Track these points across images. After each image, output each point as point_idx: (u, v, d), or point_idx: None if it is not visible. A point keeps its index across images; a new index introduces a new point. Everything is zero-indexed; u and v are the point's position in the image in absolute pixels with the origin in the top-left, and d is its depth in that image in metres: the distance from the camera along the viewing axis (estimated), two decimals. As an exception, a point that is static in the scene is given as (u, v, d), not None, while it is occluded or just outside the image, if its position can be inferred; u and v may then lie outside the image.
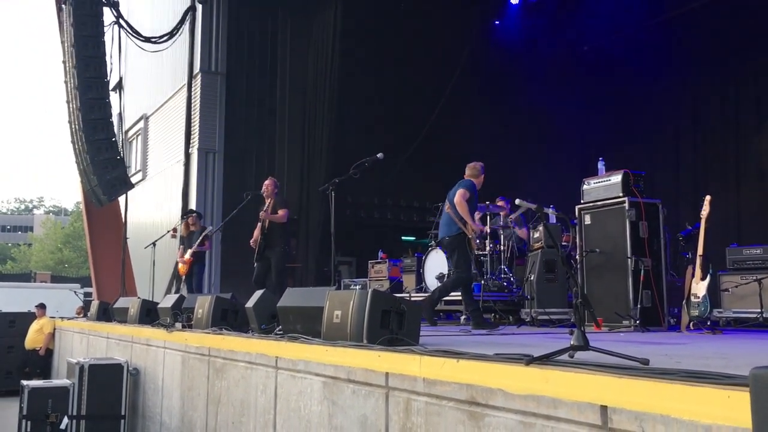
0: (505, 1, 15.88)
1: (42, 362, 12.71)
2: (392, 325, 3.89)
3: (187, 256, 10.61)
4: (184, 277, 10.94)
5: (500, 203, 9.86)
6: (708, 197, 6.29)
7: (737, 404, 1.86)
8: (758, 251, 8.25)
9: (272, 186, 9.13)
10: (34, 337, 12.86)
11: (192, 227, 10.95)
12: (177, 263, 11.38)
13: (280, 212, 8.83)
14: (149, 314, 8.33)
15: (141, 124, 18.25)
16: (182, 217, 11.79)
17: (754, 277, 7.90)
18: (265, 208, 9.04)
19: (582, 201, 7.32)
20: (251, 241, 9.14)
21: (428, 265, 9.97)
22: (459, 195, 7.28)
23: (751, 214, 12.77)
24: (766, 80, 13.10)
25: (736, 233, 11.62)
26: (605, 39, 15.70)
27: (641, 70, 14.77)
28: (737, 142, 13.47)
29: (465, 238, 7.31)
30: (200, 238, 10.50)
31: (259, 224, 9.06)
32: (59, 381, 8.61)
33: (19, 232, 74.03)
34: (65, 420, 7.62)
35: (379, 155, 7.14)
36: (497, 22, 16.14)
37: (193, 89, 14.14)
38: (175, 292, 11.49)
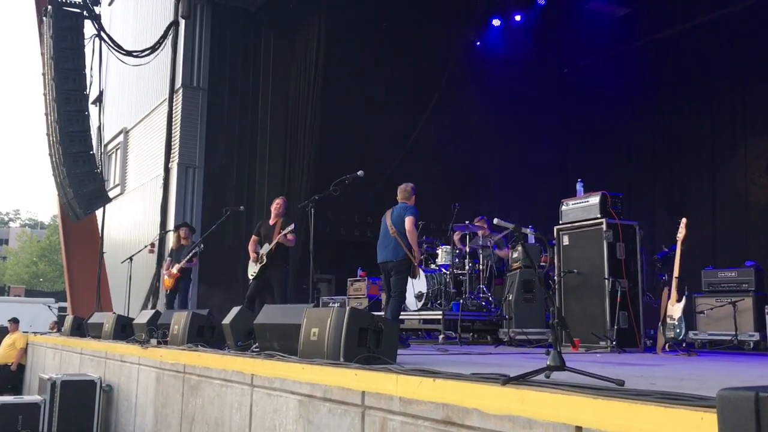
0: (488, 22, 16.04)
1: (14, 378, 12.47)
2: (369, 343, 3.87)
3: (175, 270, 10.20)
4: (167, 292, 10.49)
5: (479, 222, 9.90)
6: (684, 220, 6.36)
7: (710, 426, 1.87)
8: (733, 274, 8.36)
9: (284, 206, 9.04)
10: (6, 352, 12.64)
11: (183, 241, 10.57)
12: (155, 277, 11.15)
13: (290, 236, 8.74)
14: (124, 330, 8.22)
15: (121, 138, 18.11)
16: (173, 230, 11.42)
17: (729, 300, 8.01)
18: (272, 225, 8.81)
19: (560, 222, 7.37)
20: (252, 259, 8.87)
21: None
22: (410, 223, 7.44)
23: (727, 237, 12.95)
24: (741, 105, 13.34)
25: (711, 256, 11.77)
26: (585, 62, 15.95)
27: (620, 94, 14.99)
28: (713, 166, 13.68)
29: (411, 265, 7.48)
30: (189, 255, 10.12)
31: (254, 237, 8.88)
32: (30, 397, 8.47)
33: (-6, 245, 72.92)
34: (35, 437, 7.49)
35: (360, 173, 7.15)
36: (478, 43, 16.29)
37: (174, 104, 14.06)
38: (152, 308, 11.32)
